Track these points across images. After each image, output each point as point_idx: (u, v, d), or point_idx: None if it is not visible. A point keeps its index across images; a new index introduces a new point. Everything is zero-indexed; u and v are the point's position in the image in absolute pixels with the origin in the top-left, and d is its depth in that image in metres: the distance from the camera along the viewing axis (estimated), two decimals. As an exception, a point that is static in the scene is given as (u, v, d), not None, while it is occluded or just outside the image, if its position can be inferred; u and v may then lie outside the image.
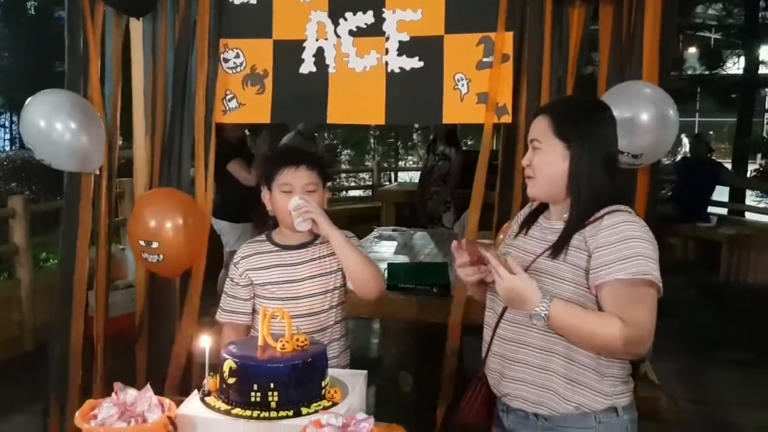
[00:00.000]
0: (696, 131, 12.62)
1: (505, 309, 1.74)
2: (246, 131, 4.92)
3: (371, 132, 13.91)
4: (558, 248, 1.67)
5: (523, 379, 1.71)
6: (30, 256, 4.96)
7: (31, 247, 4.98)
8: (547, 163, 1.69)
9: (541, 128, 1.72)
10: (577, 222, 1.66)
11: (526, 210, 1.90)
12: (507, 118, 2.56)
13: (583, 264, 1.63)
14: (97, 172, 2.82)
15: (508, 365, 1.74)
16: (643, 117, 2.25)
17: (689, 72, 10.93)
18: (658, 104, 2.25)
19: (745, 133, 9.59)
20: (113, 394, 1.61)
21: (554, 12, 2.48)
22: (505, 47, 2.53)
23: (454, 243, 1.74)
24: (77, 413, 1.57)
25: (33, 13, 21.56)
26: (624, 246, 1.59)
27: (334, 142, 14.82)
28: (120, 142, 3.02)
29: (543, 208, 1.82)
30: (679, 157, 9.88)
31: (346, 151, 14.58)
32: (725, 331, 5.20)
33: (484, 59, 2.57)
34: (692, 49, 11.68)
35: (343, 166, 13.71)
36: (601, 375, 1.66)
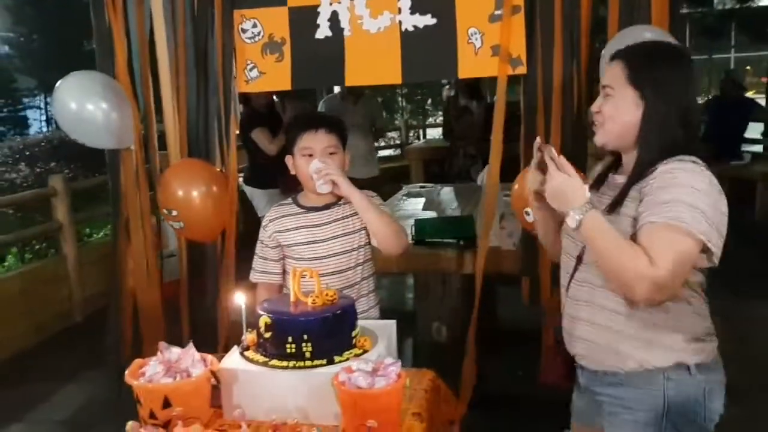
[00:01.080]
0: (732, 67, 12.27)
1: (575, 269, 1.72)
2: (274, 98, 4.98)
3: (398, 90, 13.85)
4: (616, 202, 1.61)
5: (589, 338, 1.70)
6: (74, 232, 5.13)
7: (74, 223, 5.17)
8: (618, 111, 1.61)
9: (613, 74, 1.62)
10: (637, 174, 1.59)
11: (599, 167, 1.83)
12: (522, 69, 2.59)
13: (635, 213, 1.56)
14: (132, 147, 2.91)
15: (576, 325, 1.73)
16: None
17: (719, 7, 10.59)
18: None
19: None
20: (158, 353, 1.73)
21: (563, -41, 2.49)
22: None
23: (538, 140, 1.70)
24: (126, 372, 1.70)
25: (57, -7, 21.76)
26: (667, 192, 1.49)
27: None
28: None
29: (615, 164, 1.75)
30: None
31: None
32: (762, 269, 5.17)
33: (496, 12, 2.58)
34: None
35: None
36: (671, 330, 1.60)
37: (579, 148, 2.58)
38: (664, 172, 1.53)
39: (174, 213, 2.65)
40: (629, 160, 1.66)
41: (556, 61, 2.53)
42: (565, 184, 1.56)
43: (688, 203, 1.47)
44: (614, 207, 1.61)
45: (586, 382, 1.78)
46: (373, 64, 2.74)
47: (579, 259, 1.71)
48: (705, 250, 1.50)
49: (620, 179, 1.67)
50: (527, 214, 2.44)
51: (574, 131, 2.58)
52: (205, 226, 2.73)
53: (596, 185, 1.75)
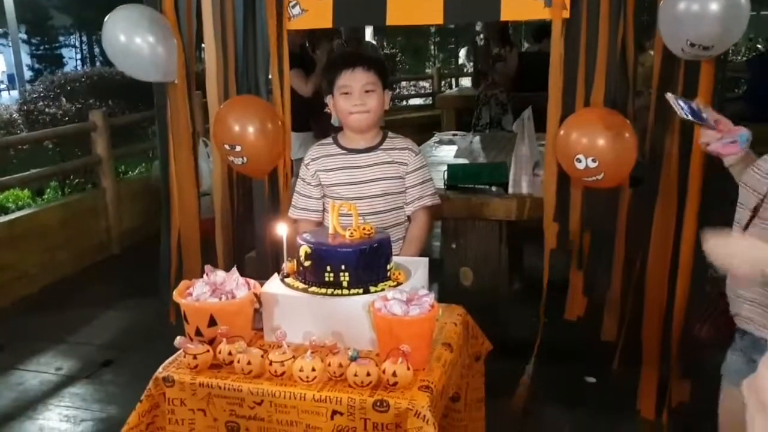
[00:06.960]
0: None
1: (749, 221, 1.61)
2: (306, 40, 4.96)
3: (431, 38, 13.70)
4: None
5: (755, 300, 1.62)
6: (112, 166, 5.26)
7: (113, 158, 5.28)
8: None
9: None
10: None
11: None
12: (565, 13, 2.57)
13: None
14: (176, 82, 2.96)
15: (741, 285, 1.66)
16: (713, 7, 2.16)
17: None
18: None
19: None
20: (204, 275, 1.83)
21: None
22: None
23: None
24: (174, 291, 1.80)
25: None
26: None
27: (393, 50, 14.69)
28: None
29: None
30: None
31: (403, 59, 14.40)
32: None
33: None
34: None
35: (403, 75, 13.62)
36: None
37: (622, 97, 2.57)
38: None
39: (237, 148, 2.70)
40: None
41: (602, 4, 2.51)
42: None
43: None
44: None
45: (745, 347, 1.69)
46: (414, 3, 2.71)
47: (755, 210, 1.60)
48: None
49: None
50: (578, 161, 2.44)
51: (617, 80, 2.56)
52: (264, 162, 2.79)
53: None
